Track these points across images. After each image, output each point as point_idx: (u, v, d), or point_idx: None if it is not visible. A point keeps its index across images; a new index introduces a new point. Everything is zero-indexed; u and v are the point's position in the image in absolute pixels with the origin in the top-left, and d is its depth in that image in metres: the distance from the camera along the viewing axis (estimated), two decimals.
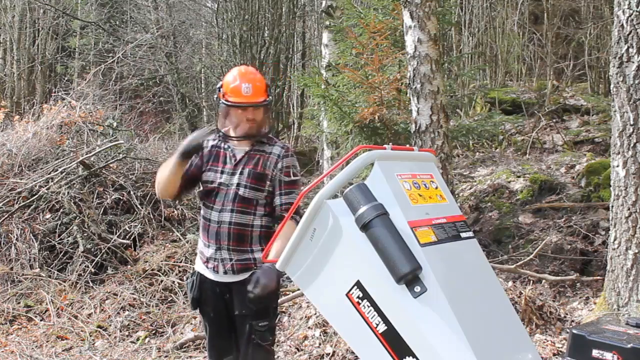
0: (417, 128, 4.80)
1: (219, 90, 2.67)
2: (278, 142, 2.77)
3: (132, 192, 6.41)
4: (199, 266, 2.76)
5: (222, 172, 2.68)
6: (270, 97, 2.74)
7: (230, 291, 2.67)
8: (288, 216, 2.07)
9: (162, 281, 5.42)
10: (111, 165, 6.72)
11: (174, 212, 6.49)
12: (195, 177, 2.75)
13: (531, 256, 4.94)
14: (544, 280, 4.88)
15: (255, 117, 2.66)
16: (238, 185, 2.64)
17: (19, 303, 5.25)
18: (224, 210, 2.63)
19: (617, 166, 3.82)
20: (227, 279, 2.66)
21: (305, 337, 4.22)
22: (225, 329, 2.75)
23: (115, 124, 7.81)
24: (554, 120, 9.24)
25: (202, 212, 2.76)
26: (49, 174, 6.42)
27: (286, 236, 2.15)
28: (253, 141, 2.70)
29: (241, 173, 2.64)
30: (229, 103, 2.63)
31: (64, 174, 6.36)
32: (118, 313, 5.04)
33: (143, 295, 5.28)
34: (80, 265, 5.64)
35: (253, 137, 2.68)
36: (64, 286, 5.46)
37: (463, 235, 1.96)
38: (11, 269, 5.60)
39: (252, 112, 2.65)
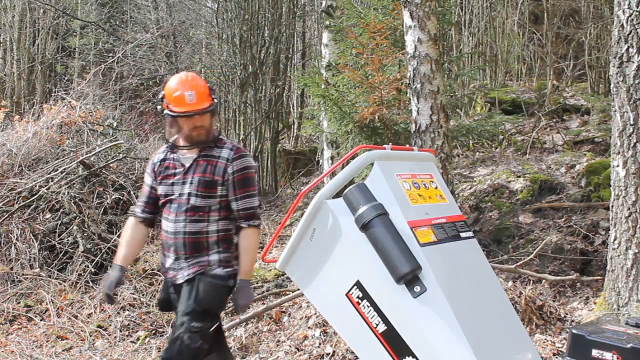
0: (417, 128, 4.80)
1: (162, 101, 2.66)
2: (227, 144, 2.74)
3: (132, 192, 6.41)
4: (163, 275, 2.84)
5: (172, 184, 2.70)
6: (215, 100, 2.72)
7: (179, 291, 2.69)
8: (296, 202, 2.05)
9: (162, 281, 5.42)
10: (111, 165, 6.72)
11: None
12: (155, 196, 2.81)
13: (531, 256, 4.93)
14: (544, 280, 4.88)
15: (202, 124, 2.65)
16: (189, 194, 2.65)
17: (19, 303, 5.25)
18: (177, 220, 2.65)
19: (617, 166, 3.82)
20: (183, 280, 2.69)
21: (305, 337, 4.22)
22: None
23: (115, 124, 7.81)
24: (554, 120, 9.24)
25: (162, 224, 2.77)
26: (49, 173, 6.42)
27: (248, 251, 2.43)
28: (201, 147, 2.69)
29: (191, 182, 2.65)
30: (175, 113, 2.62)
31: (64, 174, 6.36)
32: (118, 313, 5.04)
33: (143, 295, 5.28)
34: (80, 265, 5.65)
35: (202, 143, 2.68)
36: (64, 286, 5.46)
37: (463, 235, 1.96)
38: (11, 268, 5.60)
39: (199, 119, 2.63)
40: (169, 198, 2.70)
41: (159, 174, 2.76)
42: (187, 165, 2.69)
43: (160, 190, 2.74)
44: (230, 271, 2.66)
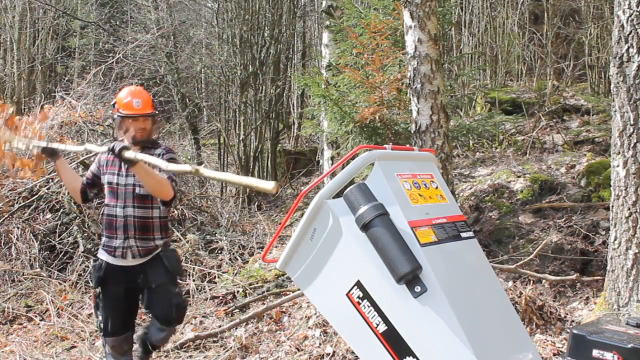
0: (417, 128, 4.80)
1: (114, 107, 3.25)
2: (162, 146, 3.32)
3: None
4: (104, 256, 3.22)
5: (118, 175, 3.20)
6: (157, 111, 3.31)
7: (144, 271, 3.16)
8: (296, 202, 2.08)
9: None
10: None
11: (174, 212, 6.49)
12: (93, 181, 3.31)
13: (531, 256, 4.93)
14: (544, 280, 4.88)
15: (145, 127, 3.21)
16: (133, 185, 3.16)
17: (19, 303, 5.25)
18: (126, 206, 3.17)
19: (618, 166, 3.82)
20: (135, 262, 3.18)
21: (305, 337, 4.22)
22: (131, 306, 3.29)
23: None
24: (554, 120, 9.24)
25: (106, 211, 3.25)
26: (49, 173, 6.42)
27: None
28: (141, 146, 3.20)
29: (133, 175, 3.10)
30: (123, 114, 3.20)
31: None
32: None
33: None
34: (80, 265, 5.64)
35: (144, 142, 3.22)
36: (64, 286, 5.46)
37: (463, 235, 1.96)
38: (11, 268, 5.60)
39: (143, 122, 3.20)
40: (113, 187, 3.19)
41: (105, 164, 3.26)
42: None
43: (106, 179, 3.22)
44: (172, 246, 3.38)
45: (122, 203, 3.18)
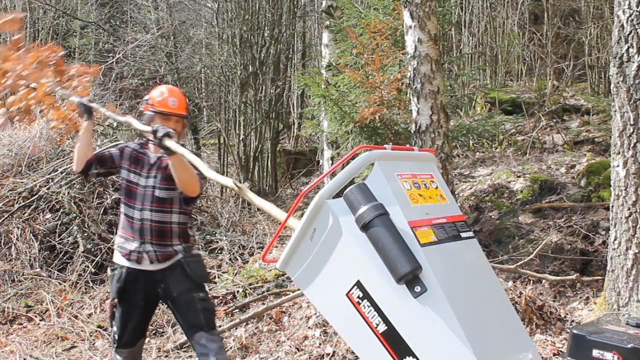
0: (417, 128, 4.80)
1: (147, 102, 3.08)
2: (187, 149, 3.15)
3: None
4: (120, 260, 3.03)
5: (140, 175, 3.03)
6: (189, 115, 3.09)
7: (165, 279, 2.98)
8: (296, 202, 2.05)
9: None
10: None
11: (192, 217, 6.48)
12: (105, 160, 3.11)
13: (531, 256, 4.93)
14: (544, 280, 4.88)
15: (175, 128, 3.01)
16: (153, 187, 2.99)
17: (19, 303, 5.25)
18: (144, 209, 2.98)
19: (617, 166, 3.82)
20: (153, 267, 2.98)
21: (305, 337, 4.22)
22: (148, 315, 3.14)
23: (115, 124, 7.80)
24: (554, 120, 9.24)
25: (123, 210, 3.07)
26: (49, 173, 6.42)
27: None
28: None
29: (155, 177, 2.99)
30: (157, 110, 3.02)
31: (64, 174, 6.36)
32: None
33: None
34: (80, 265, 5.65)
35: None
36: (64, 286, 5.46)
37: (463, 235, 1.95)
38: (11, 268, 5.60)
39: (174, 122, 3.04)
40: (132, 186, 3.02)
41: (128, 158, 3.08)
42: (152, 161, 3.05)
43: (125, 175, 3.05)
44: (195, 251, 3.15)
45: (139, 205, 2.99)
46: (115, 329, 3.07)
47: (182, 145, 3.12)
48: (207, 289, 3.12)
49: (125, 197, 3.05)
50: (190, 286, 2.97)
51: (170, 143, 2.66)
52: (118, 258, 3.05)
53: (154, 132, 2.69)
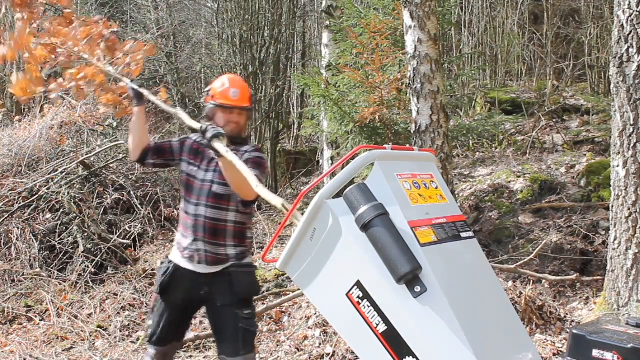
0: (417, 128, 4.80)
1: (207, 94, 2.88)
2: (251, 144, 2.95)
3: (132, 192, 6.41)
4: (176, 257, 2.89)
5: (199, 168, 2.86)
6: (253, 105, 2.88)
7: (211, 284, 2.79)
8: (296, 202, 2.05)
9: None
10: (111, 165, 6.72)
11: (174, 212, 6.49)
12: (163, 151, 2.94)
13: (531, 256, 4.94)
14: (544, 280, 4.88)
15: (239, 121, 2.86)
16: (212, 181, 2.80)
17: (19, 303, 5.25)
18: (199, 204, 2.80)
19: (617, 166, 3.82)
20: (202, 269, 2.80)
21: (305, 337, 4.22)
22: (185, 319, 2.95)
23: (115, 124, 7.81)
24: (554, 120, 9.24)
25: (182, 204, 2.92)
26: (49, 174, 6.42)
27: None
28: (229, 142, 2.73)
29: (214, 170, 2.79)
30: (217, 103, 2.83)
31: (64, 174, 6.36)
32: (118, 313, 5.04)
33: (143, 295, 5.28)
34: (80, 265, 5.64)
35: (234, 138, 2.82)
36: (64, 286, 5.46)
37: (463, 235, 1.95)
38: (11, 268, 5.60)
39: (237, 115, 2.85)
40: (190, 180, 2.85)
41: (189, 150, 2.92)
42: (213, 154, 2.77)
43: (185, 167, 2.89)
44: (250, 260, 2.90)
45: (195, 200, 2.81)
46: (150, 322, 2.93)
47: (246, 138, 2.99)
48: (253, 305, 2.88)
49: (184, 191, 2.90)
50: (235, 301, 2.75)
51: (219, 146, 2.46)
52: (174, 254, 2.92)
53: (203, 132, 2.52)
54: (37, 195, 6.18)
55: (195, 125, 2.68)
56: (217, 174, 2.76)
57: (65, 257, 5.80)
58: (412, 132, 4.88)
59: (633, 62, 3.69)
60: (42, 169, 6.58)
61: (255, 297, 2.95)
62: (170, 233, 6.23)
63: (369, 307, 1.76)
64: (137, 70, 3.00)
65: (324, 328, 4.23)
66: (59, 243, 5.87)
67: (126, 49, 2.99)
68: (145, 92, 2.89)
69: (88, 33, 2.92)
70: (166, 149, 2.95)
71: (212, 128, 2.52)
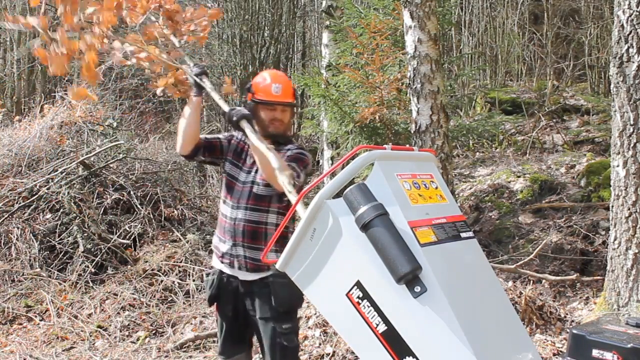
0: (417, 128, 4.80)
1: (249, 91, 2.73)
2: (295, 143, 2.82)
3: (132, 192, 6.41)
4: (216, 263, 2.78)
5: (240, 169, 2.73)
6: (297, 101, 2.78)
7: (251, 293, 2.68)
8: (296, 202, 2.03)
9: (162, 281, 5.42)
10: (111, 165, 6.72)
11: (174, 212, 6.49)
12: (214, 148, 2.76)
13: (531, 256, 4.94)
14: (544, 280, 4.89)
15: (282, 118, 2.71)
16: (253, 182, 2.67)
17: (19, 303, 5.25)
18: (238, 207, 2.67)
19: (617, 166, 3.82)
20: (242, 276, 2.68)
21: (305, 337, 4.22)
22: (241, 328, 2.78)
23: (115, 124, 7.81)
24: (554, 120, 9.24)
25: (220, 207, 2.80)
26: (49, 173, 6.42)
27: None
28: (271, 141, 2.65)
29: (256, 171, 2.66)
30: (258, 100, 2.68)
31: (64, 174, 6.36)
32: (118, 313, 5.04)
33: (143, 295, 5.28)
34: (80, 265, 5.64)
35: (278, 137, 2.71)
36: (64, 286, 5.46)
37: (463, 235, 1.95)
38: (11, 268, 5.60)
39: (280, 112, 2.70)
40: (232, 181, 2.72)
41: (233, 150, 2.78)
42: None
43: (228, 168, 2.76)
44: None
45: (234, 202, 2.68)
46: (218, 333, 2.86)
47: (290, 137, 2.84)
48: (294, 318, 2.74)
49: (224, 193, 2.77)
50: (274, 315, 2.62)
51: (245, 125, 2.40)
52: (214, 260, 2.82)
53: (229, 117, 2.46)
54: (37, 195, 6.17)
55: (225, 107, 2.57)
56: (259, 174, 2.64)
57: (65, 257, 5.80)
58: (412, 132, 4.88)
59: (633, 62, 3.69)
60: (42, 169, 6.57)
61: (298, 308, 2.79)
62: (170, 233, 6.23)
63: (369, 307, 1.76)
64: (204, 38, 2.79)
65: (324, 328, 4.23)
66: (59, 243, 5.86)
67: (188, 16, 2.74)
68: (206, 84, 2.65)
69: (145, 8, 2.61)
70: (217, 147, 2.78)
71: (239, 109, 2.47)
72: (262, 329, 2.66)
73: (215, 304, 2.80)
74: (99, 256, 5.74)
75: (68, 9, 2.51)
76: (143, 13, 2.60)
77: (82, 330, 4.78)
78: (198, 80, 2.64)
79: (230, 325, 2.79)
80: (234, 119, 2.47)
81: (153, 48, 2.61)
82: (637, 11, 3.65)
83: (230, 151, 2.77)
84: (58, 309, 5.14)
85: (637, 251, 3.74)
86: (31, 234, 5.89)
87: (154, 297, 5.26)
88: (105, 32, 2.45)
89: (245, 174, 2.71)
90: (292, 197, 2.19)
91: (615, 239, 3.87)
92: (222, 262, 2.72)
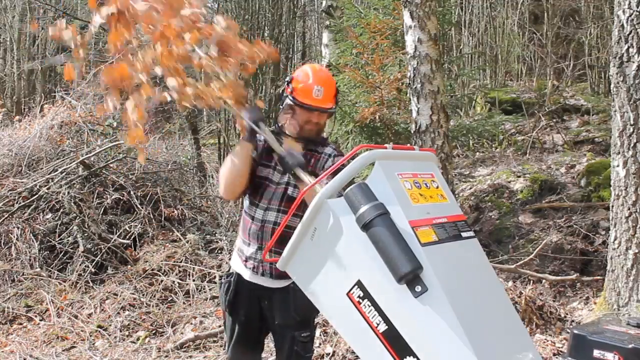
0: (417, 128, 4.80)
1: (288, 84, 2.54)
2: (330, 144, 2.68)
3: (132, 192, 6.40)
4: (237, 266, 2.65)
5: (274, 170, 2.55)
6: (338, 103, 2.62)
7: (270, 299, 2.58)
8: (291, 211, 2.00)
9: (162, 281, 5.42)
10: (111, 165, 6.72)
11: (174, 212, 6.49)
12: (253, 174, 2.57)
13: (531, 256, 4.94)
14: (544, 280, 4.89)
15: (319, 121, 2.55)
16: (288, 183, 2.52)
17: (19, 303, 5.25)
18: (270, 209, 2.52)
19: (617, 166, 3.82)
20: (265, 282, 2.56)
21: None
22: (255, 334, 2.70)
23: (115, 124, 7.81)
24: (554, 120, 9.24)
25: (245, 208, 2.62)
26: (49, 173, 6.42)
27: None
28: (305, 142, 2.56)
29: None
30: (298, 102, 2.49)
31: (64, 174, 6.36)
32: (118, 313, 5.03)
33: (143, 295, 5.28)
34: (80, 265, 5.64)
35: (309, 141, 2.56)
36: (64, 286, 5.45)
37: (464, 234, 1.95)
38: (11, 268, 5.60)
39: (317, 116, 2.53)
40: (263, 182, 2.54)
41: (264, 153, 2.57)
42: None
43: (259, 171, 2.55)
44: None
45: (265, 204, 2.52)
46: (225, 337, 2.78)
47: (325, 138, 2.68)
48: (313, 326, 2.65)
49: (251, 194, 2.58)
50: (293, 322, 2.53)
51: (302, 174, 2.25)
52: (236, 263, 2.66)
53: (283, 165, 2.30)
54: (37, 195, 6.17)
55: (280, 151, 2.34)
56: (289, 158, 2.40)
57: (65, 257, 5.80)
58: (412, 132, 4.88)
59: (633, 62, 3.69)
60: (42, 169, 6.57)
61: (315, 316, 2.69)
62: (170, 233, 6.23)
63: (369, 306, 1.76)
64: (252, 69, 2.48)
65: (324, 328, 4.23)
66: (59, 243, 5.86)
67: (240, 47, 2.40)
68: (262, 128, 2.38)
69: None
70: (254, 170, 2.57)
71: (291, 156, 2.30)
72: (281, 335, 2.59)
73: (225, 310, 2.71)
74: (99, 256, 5.74)
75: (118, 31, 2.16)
76: (193, 45, 2.30)
77: (82, 330, 4.78)
78: (254, 126, 2.37)
79: (243, 330, 2.68)
80: (289, 167, 2.30)
81: (209, 89, 2.33)
82: (637, 11, 3.65)
83: (259, 156, 2.58)
84: (58, 309, 5.14)
85: (637, 251, 3.74)
86: (31, 234, 5.89)
87: (154, 297, 5.26)
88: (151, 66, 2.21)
89: (279, 174, 2.54)
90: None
91: (615, 239, 3.87)
92: (246, 267, 2.59)
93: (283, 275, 2.34)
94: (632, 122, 3.71)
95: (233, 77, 2.36)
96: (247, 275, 2.60)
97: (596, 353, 2.23)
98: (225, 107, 2.39)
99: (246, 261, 2.59)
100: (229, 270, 2.73)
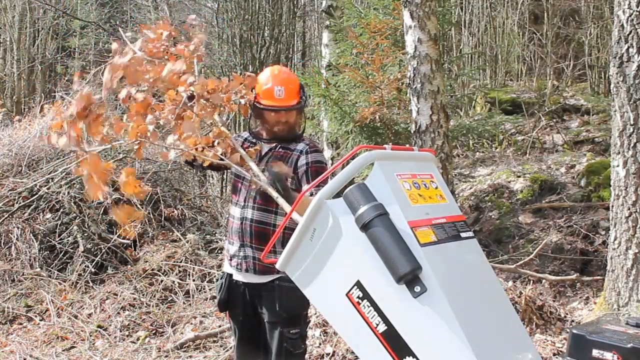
0: (417, 128, 4.80)
1: (252, 92, 2.59)
2: (305, 140, 2.71)
3: None
4: (226, 267, 2.72)
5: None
6: (304, 97, 2.65)
7: (260, 297, 2.61)
8: (295, 204, 2.02)
9: (162, 281, 5.42)
10: (111, 165, 6.72)
11: (174, 212, 6.49)
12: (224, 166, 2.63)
13: (531, 256, 4.94)
14: (544, 280, 4.89)
15: (287, 120, 2.62)
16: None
17: (19, 303, 5.25)
18: (246, 206, 2.60)
19: (617, 166, 3.82)
20: (251, 279, 2.61)
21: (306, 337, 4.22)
22: (254, 333, 2.71)
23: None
24: (554, 120, 9.23)
25: (229, 209, 2.74)
26: (49, 173, 6.42)
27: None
28: (278, 142, 2.64)
29: (263, 170, 2.51)
30: (261, 106, 2.57)
31: (64, 174, 6.36)
32: (118, 313, 5.04)
33: (143, 295, 5.28)
34: (80, 265, 5.64)
35: (284, 139, 2.63)
36: (64, 286, 5.46)
37: (463, 235, 1.95)
38: (11, 268, 5.60)
39: (285, 115, 2.60)
40: (238, 180, 2.65)
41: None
42: (264, 152, 2.65)
43: (234, 168, 2.58)
44: None
45: (242, 202, 2.61)
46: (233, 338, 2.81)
47: (299, 135, 2.71)
48: (302, 323, 2.65)
49: (231, 193, 2.72)
50: (281, 319, 2.55)
51: (271, 191, 2.29)
52: (225, 264, 2.76)
53: (273, 183, 2.33)
54: (37, 195, 6.17)
55: (271, 192, 2.33)
56: (267, 173, 2.47)
57: (65, 257, 5.80)
58: (412, 132, 4.88)
59: (633, 62, 3.69)
60: (42, 169, 6.57)
61: (305, 312, 2.70)
62: (170, 233, 6.23)
63: (368, 307, 1.76)
64: (247, 107, 2.57)
65: (324, 328, 4.23)
66: (59, 243, 5.86)
67: (224, 87, 2.47)
68: (275, 191, 2.35)
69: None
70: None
71: (274, 172, 2.35)
72: (270, 333, 2.61)
73: (227, 309, 2.76)
74: (99, 256, 5.74)
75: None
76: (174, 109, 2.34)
77: (82, 330, 4.78)
78: (270, 189, 2.36)
79: (242, 330, 2.73)
80: (276, 185, 2.34)
81: (213, 154, 2.39)
82: (637, 11, 3.65)
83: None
84: (58, 309, 5.14)
85: (637, 251, 3.74)
86: (31, 234, 5.89)
87: (154, 297, 5.26)
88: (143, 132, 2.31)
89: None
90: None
91: (615, 239, 3.87)
92: (231, 265, 2.66)
93: (266, 271, 2.52)
94: (632, 122, 3.71)
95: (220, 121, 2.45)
96: (235, 274, 2.66)
97: (595, 352, 2.23)
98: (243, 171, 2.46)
99: (231, 259, 2.65)
100: (222, 272, 2.79)
